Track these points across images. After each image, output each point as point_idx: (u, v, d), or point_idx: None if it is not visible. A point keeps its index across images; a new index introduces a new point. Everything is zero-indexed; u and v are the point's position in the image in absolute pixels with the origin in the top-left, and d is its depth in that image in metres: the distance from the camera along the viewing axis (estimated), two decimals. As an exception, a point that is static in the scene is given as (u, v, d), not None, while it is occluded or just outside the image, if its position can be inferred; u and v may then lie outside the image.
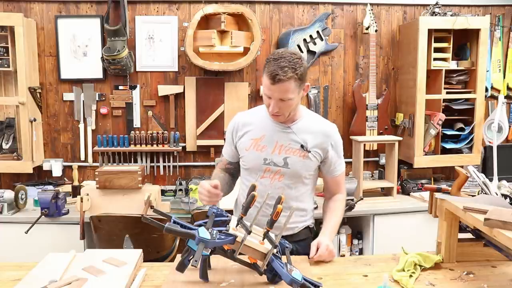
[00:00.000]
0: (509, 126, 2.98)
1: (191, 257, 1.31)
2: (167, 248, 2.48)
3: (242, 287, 1.35)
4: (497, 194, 1.54)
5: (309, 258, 1.62)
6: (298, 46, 3.25)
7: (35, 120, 2.99)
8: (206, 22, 3.06)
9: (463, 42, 3.25)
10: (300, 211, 1.82)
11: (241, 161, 1.86)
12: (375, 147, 3.39)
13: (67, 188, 3.08)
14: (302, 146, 1.75)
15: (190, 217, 2.63)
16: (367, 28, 3.24)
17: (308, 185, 1.83)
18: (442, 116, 3.11)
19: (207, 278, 1.37)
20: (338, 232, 3.05)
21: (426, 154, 3.21)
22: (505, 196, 1.53)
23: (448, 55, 3.14)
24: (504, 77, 3.50)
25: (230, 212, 1.59)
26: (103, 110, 3.21)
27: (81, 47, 3.15)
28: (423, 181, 3.26)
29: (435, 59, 3.13)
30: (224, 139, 2.43)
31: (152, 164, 3.24)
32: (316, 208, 2.90)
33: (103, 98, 3.22)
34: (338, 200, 1.89)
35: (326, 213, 1.87)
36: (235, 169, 1.92)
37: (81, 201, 2.61)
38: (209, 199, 1.61)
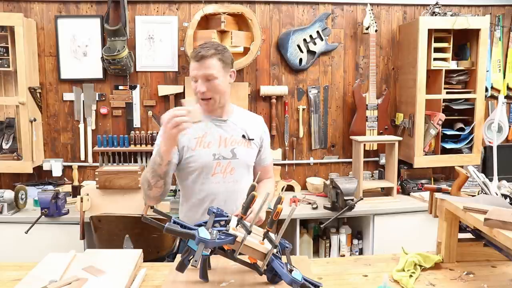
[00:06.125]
0: (509, 126, 2.99)
1: (191, 257, 1.31)
2: (167, 248, 2.48)
3: (242, 287, 1.35)
4: (497, 194, 1.54)
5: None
6: (298, 46, 3.25)
7: (35, 120, 2.99)
8: (206, 22, 3.06)
9: (463, 42, 3.25)
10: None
11: (187, 163, 1.77)
12: (375, 147, 3.39)
13: (67, 188, 3.08)
14: (243, 136, 1.82)
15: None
16: (367, 28, 3.24)
17: (251, 176, 1.90)
18: (442, 116, 3.11)
19: (207, 278, 1.37)
20: (338, 232, 3.06)
21: (426, 154, 3.21)
22: (505, 196, 1.53)
23: (448, 55, 3.14)
24: (504, 77, 3.50)
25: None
26: (103, 110, 3.21)
27: (81, 47, 3.15)
28: (423, 181, 3.26)
29: (435, 59, 3.13)
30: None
31: (152, 164, 3.24)
32: (316, 208, 2.91)
33: (103, 98, 3.22)
34: (268, 181, 1.99)
35: (260, 187, 1.87)
36: (169, 172, 1.72)
37: (81, 201, 2.61)
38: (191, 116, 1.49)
